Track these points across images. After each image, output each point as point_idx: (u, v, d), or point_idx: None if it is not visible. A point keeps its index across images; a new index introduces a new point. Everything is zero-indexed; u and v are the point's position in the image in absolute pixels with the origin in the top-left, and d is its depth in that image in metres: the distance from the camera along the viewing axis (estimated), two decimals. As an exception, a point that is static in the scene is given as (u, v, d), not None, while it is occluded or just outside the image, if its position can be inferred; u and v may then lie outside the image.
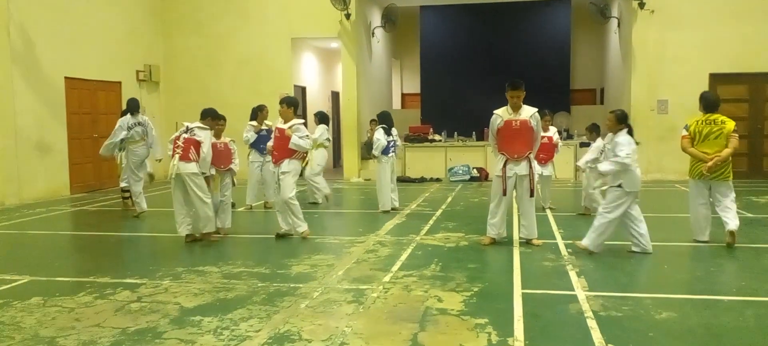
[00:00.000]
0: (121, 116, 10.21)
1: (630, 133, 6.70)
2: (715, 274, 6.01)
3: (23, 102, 11.70)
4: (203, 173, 7.56)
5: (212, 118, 7.78)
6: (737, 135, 7.09)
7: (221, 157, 7.93)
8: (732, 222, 6.93)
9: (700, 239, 7.30)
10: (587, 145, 9.74)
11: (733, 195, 7.12)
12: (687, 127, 7.22)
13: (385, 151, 9.87)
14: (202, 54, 15.81)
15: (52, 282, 5.93)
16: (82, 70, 13.19)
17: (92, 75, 13.51)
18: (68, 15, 12.84)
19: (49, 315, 4.87)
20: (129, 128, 9.75)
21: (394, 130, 10.12)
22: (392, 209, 9.92)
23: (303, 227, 7.77)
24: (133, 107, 9.91)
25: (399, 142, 10.47)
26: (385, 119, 10.09)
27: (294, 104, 7.83)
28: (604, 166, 6.69)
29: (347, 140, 15.69)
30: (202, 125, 7.64)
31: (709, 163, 6.92)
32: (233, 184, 8.20)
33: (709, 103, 7.20)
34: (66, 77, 12.76)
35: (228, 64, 15.73)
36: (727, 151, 6.95)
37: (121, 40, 14.41)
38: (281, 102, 7.85)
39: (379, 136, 9.85)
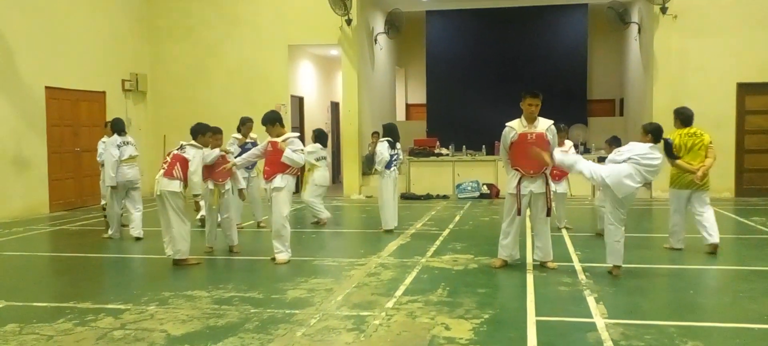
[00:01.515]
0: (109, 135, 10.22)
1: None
2: (744, 300, 5.99)
3: (0, 113, 11.76)
4: (195, 196, 7.55)
5: (202, 134, 7.78)
6: (713, 146, 7.88)
7: (220, 171, 7.98)
8: (714, 236, 7.75)
9: (676, 247, 8.03)
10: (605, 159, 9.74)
11: (711, 209, 7.92)
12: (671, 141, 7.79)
13: (387, 165, 9.90)
14: (191, 62, 15.88)
15: (29, 308, 5.93)
16: (63, 80, 13.26)
17: (74, 84, 13.58)
18: (49, 21, 12.94)
19: (26, 343, 4.87)
20: (118, 147, 9.71)
21: (398, 145, 10.16)
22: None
23: (283, 255, 7.69)
24: (120, 128, 9.87)
25: (402, 157, 10.53)
26: (391, 132, 10.14)
27: (276, 120, 7.86)
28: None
29: (347, 155, 15.72)
30: (195, 144, 7.69)
31: (700, 173, 7.55)
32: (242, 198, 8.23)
33: (686, 118, 8.09)
34: (46, 87, 12.82)
35: (219, 74, 15.79)
36: (710, 162, 7.74)
37: (106, 48, 14.50)
38: (263, 123, 7.91)
39: (383, 150, 9.89)
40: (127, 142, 9.73)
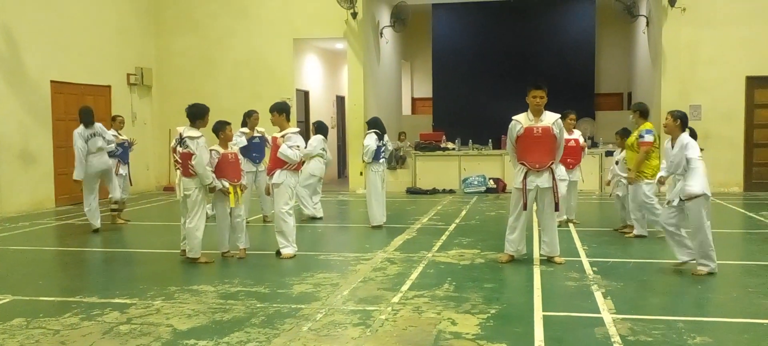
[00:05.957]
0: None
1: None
2: (754, 295, 5.97)
3: (6, 108, 11.80)
4: (210, 185, 7.42)
5: (200, 117, 7.46)
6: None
7: (236, 169, 7.73)
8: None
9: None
10: (613, 153, 9.69)
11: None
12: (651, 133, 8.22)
13: (376, 157, 9.87)
14: (197, 56, 15.91)
15: (36, 302, 5.95)
16: (69, 74, 13.29)
17: (80, 78, 13.61)
18: (55, 15, 12.96)
19: (33, 338, 4.89)
20: (86, 140, 9.74)
21: (386, 137, 10.15)
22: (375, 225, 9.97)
23: (288, 249, 7.67)
24: (86, 119, 9.86)
25: (390, 147, 10.53)
26: (377, 125, 10.09)
27: (284, 110, 7.83)
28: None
29: (353, 149, 15.70)
30: (191, 133, 7.36)
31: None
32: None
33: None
34: (52, 81, 12.86)
35: (225, 67, 15.82)
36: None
37: (111, 42, 14.53)
38: (270, 110, 7.88)
39: (369, 142, 9.84)
40: (95, 134, 9.79)
